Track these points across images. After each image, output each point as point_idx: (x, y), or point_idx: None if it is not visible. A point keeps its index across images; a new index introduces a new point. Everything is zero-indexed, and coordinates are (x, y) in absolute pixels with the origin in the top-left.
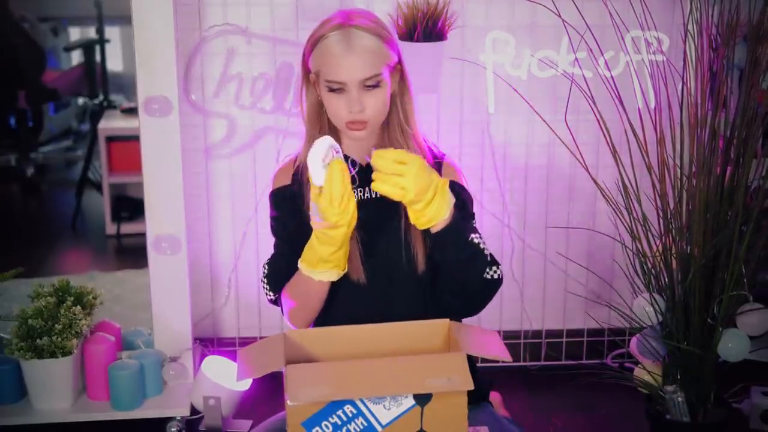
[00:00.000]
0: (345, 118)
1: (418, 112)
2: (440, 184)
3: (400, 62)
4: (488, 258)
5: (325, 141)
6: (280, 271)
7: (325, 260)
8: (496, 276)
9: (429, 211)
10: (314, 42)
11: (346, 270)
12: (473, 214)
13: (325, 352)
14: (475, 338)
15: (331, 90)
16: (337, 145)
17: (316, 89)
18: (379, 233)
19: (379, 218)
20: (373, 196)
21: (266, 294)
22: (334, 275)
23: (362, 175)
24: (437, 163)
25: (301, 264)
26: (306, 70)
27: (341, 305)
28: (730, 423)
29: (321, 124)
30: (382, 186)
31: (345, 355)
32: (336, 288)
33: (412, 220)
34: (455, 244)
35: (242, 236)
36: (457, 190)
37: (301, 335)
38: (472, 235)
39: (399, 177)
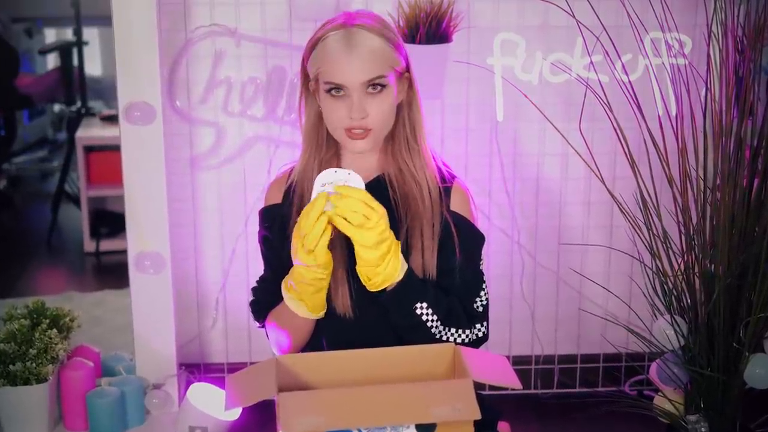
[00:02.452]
0: (345, 124)
1: (427, 125)
2: (395, 243)
3: (408, 70)
4: (453, 321)
5: (341, 171)
6: (266, 297)
7: (299, 298)
8: (473, 337)
9: (376, 278)
10: (313, 44)
11: (322, 314)
12: (480, 257)
13: (320, 379)
14: (482, 363)
15: (331, 94)
16: (358, 180)
17: (316, 98)
18: None
19: None
20: None
21: (254, 321)
22: (309, 315)
23: None
24: (446, 188)
25: (282, 291)
26: (305, 77)
27: (328, 339)
28: None
29: (320, 138)
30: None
31: (342, 382)
32: (321, 321)
33: (364, 280)
34: (398, 312)
35: (231, 253)
36: (464, 229)
37: (295, 360)
38: (476, 300)
39: (362, 224)
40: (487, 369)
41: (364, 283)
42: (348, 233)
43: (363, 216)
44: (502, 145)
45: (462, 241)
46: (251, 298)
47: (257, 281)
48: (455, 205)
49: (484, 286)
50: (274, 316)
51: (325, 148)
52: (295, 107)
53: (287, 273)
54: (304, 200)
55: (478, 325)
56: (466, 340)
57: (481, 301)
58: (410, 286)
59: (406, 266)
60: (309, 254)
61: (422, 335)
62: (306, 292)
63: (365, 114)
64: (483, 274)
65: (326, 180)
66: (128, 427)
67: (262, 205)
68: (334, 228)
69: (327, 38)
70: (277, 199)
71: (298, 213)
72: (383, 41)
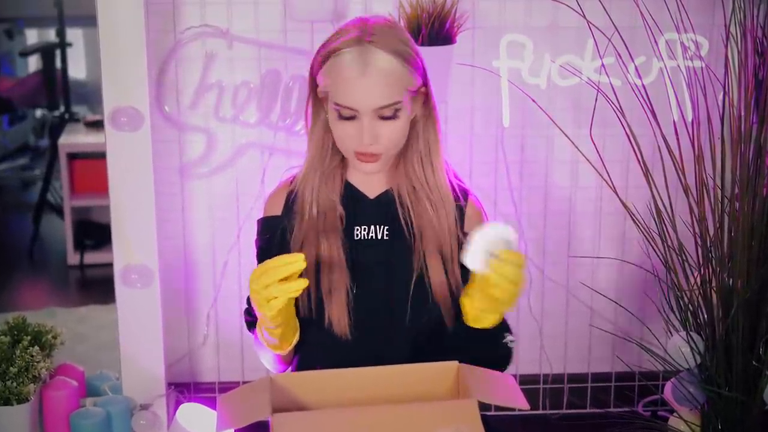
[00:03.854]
0: (354, 148)
1: (445, 142)
2: None
3: (425, 84)
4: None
5: (505, 231)
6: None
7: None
8: (509, 346)
9: (499, 315)
10: (326, 56)
11: (288, 350)
12: None
13: (317, 399)
14: (488, 383)
15: (341, 116)
16: (514, 240)
17: (324, 106)
18: (382, 282)
19: (387, 265)
20: (382, 236)
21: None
22: (277, 351)
23: (370, 210)
24: (459, 207)
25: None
26: (314, 83)
27: (324, 361)
28: None
29: (325, 147)
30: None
31: (339, 402)
32: (316, 342)
33: (472, 318)
34: (494, 342)
35: (223, 266)
36: None
37: (290, 379)
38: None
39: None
40: (493, 388)
41: (470, 320)
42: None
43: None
44: (509, 152)
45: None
46: (245, 306)
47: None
48: (469, 226)
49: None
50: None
51: (329, 158)
52: (291, 111)
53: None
54: (303, 211)
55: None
56: (508, 347)
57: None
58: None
59: None
60: (265, 306)
61: (503, 354)
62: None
63: (376, 139)
64: None
65: (489, 236)
66: None
67: (261, 215)
68: (340, 242)
69: (340, 55)
70: (278, 210)
71: (300, 222)
72: (399, 62)
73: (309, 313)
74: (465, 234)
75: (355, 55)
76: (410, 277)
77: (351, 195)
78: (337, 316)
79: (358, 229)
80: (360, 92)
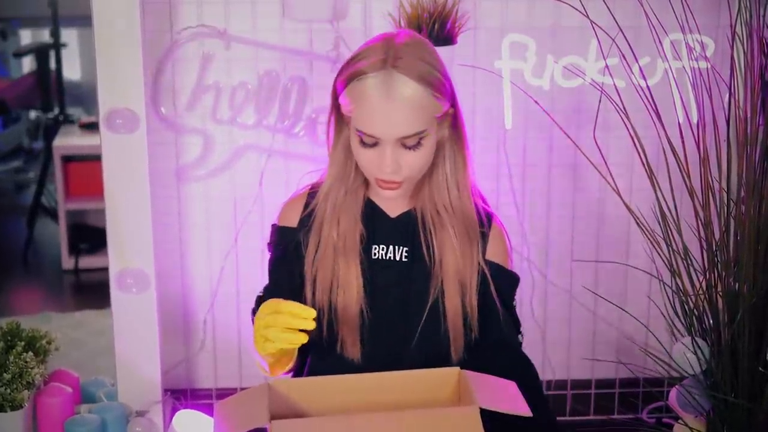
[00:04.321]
0: (375, 174)
1: (472, 162)
2: None
3: (453, 105)
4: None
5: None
6: None
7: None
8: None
9: None
10: (349, 77)
11: (285, 371)
12: (513, 298)
13: (316, 406)
14: (490, 389)
15: (363, 142)
16: None
17: (348, 125)
18: (397, 305)
19: (402, 288)
20: (400, 257)
21: None
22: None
23: (389, 229)
24: (482, 233)
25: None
26: (337, 101)
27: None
28: None
29: (348, 166)
30: None
31: (339, 409)
32: (324, 362)
33: None
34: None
35: (220, 271)
36: (499, 278)
37: (289, 385)
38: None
39: None
40: (496, 395)
41: None
42: None
43: None
44: (511, 154)
45: (497, 289)
46: (255, 306)
47: (263, 290)
48: (491, 253)
49: (520, 328)
50: None
51: (353, 177)
52: (290, 113)
53: (292, 290)
54: (323, 231)
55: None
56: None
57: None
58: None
59: None
60: (259, 343)
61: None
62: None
63: (398, 168)
64: (516, 313)
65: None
66: None
67: (276, 221)
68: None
69: (363, 79)
70: (293, 221)
71: (317, 238)
72: (425, 89)
73: (320, 333)
74: (486, 262)
75: (379, 81)
76: (426, 302)
77: (371, 212)
78: (350, 339)
79: (376, 248)
80: (382, 121)
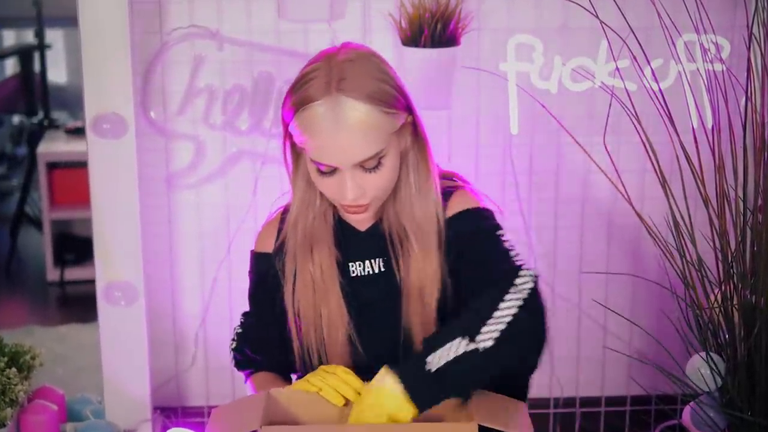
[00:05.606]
0: (340, 201)
1: (436, 171)
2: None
3: (412, 113)
4: (477, 318)
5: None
6: (246, 352)
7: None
8: (521, 296)
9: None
10: (294, 105)
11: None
12: (498, 234)
13: (316, 418)
14: (492, 405)
15: (321, 172)
16: None
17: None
18: (385, 320)
19: (387, 300)
20: (378, 269)
21: (231, 362)
22: None
23: (362, 244)
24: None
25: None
26: (287, 129)
27: None
28: None
29: (312, 192)
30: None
31: (338, 422)
32: None
33: None
34: (433, 392)
35: (212, 283)
36: (469, 228)
37: (289, 396)
38: (503, 266)
39: None
40: (498, 412)
41: None
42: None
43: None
44: (517, 161)
45: (472, 243)
46: (233, 343)
47: (241, 324)
48: (451, 209)
49: (512, 254)
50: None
51: (319, 202)
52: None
53: (274, 317)
54: (297, 259)
55: (517, 280)
56: (518, 304)
57: (511, 261)
58: (413, 377)
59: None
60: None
61: (474, 365)
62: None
63: (362, 192)
64: (507, 246)
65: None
66: None
67: (253, 246)
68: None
69: (308, 109)
70: (269, 247)
71: (292, 269)
72: (376, 108)
73: (308, 368)
74: (447, 221)
75: (326, 108)
76: (398, 306)
77: (342, 231)
78: (338, 358)
79: (353, 266)
80: (336, 150)
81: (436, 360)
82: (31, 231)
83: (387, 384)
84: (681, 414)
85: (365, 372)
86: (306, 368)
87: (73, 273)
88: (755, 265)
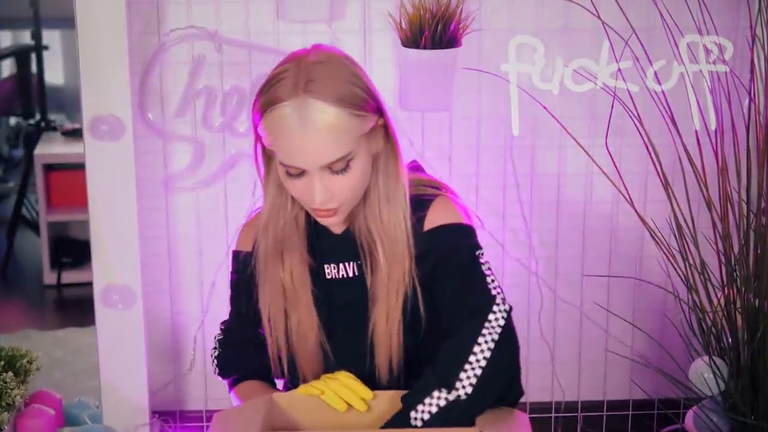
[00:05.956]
0: (308, 204)
1: (405, 176)
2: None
3: (382, 114)
4: (454, 363)
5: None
6: (229, 355)
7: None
8: (497, 328)
9: None
10: (262, 107)
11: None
12: (476, 255)
13: (318, 423)
14: (493, 415)
15: (289, 174)
16: None
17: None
18: (361, 321)
19: (361, 304)
20: (353, 273)
21: (213, 370)
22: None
23: (338, 246)
24: (418, 219)
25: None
26: (258, 131)
27: None
28: None
29: (285, 195)
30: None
31: (340, 428)
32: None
33: None
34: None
35: (211, 286)
36: (444, 238)
37: (291, 401)
38: (477, 296)
39: None
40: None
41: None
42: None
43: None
44: (518, 163)
45: (449, 264)
46: (215, 350)
47: (222, 329)
48: (430, 221)
49: (488, 279)
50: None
51: (290, 207)
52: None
53: (254, 317)
54: (267, 266)
55: (490, 316)
56: (491, 346)
57: (487, 291)
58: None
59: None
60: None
61: (455, 415)
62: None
63: (330, 195)
64: (483, 269)
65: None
66: None
67: (234, 248)
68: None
69: (276, 109)
70: (248, 246)
71: (264, 276)
72: (344, 111)
73: (282, 373)
74: (426, 234)
75: (292, 109)
76: (366, 314)
77: (316, 233)
78: (309, 372)
79: (328, 268)
80: (303, 151)
81: (420, 415)
82: (27, 234)
83: None
84: (684, 418)
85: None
86: (280, 374)
87: (71, 276)
88: (759, 268)
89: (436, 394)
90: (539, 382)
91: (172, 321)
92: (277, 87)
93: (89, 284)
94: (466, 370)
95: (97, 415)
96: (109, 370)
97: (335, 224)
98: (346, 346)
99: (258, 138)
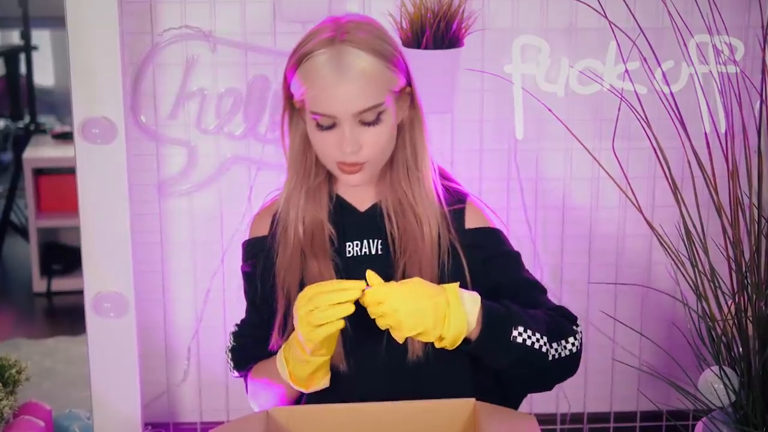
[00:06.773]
0: (336, 158)
1: (432, 146)
2: (443, 301)
3: (410, 84)
4: (556, 332)
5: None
6: (246, 346)
7: (297, 377)
8: (567, 352)
9: (445, 339)
10: (297, 60)
11: (317, 387)
12: (513, 253)
13: None
14: (506, 425)
15: (320, 125)
16: None
17: (302, 117)
18: None
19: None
20: (376, 251)
21: (230, 370)
22: (298, 388)
23: (361, 224)
24: (456, 211)
25: (278, 357)
26: (289, 92)
27: (316, 395)
28: None
29: (308, 162)
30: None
31: None
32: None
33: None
34: (495, 352)
35: (206, 294)
36: (490, 241)
37: (289, 414)
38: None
39: (383, 318)
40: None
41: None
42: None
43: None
44: (522, 167)
45: (493, 253)
46: (230, 344)
47: (237, 325)
48: (471, 221)
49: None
50: (265, 372)
51: (313, 175)
52: (278, 124)
53: (270, 316)
54: (288, 234)
55: (570, 339)
56: (577, 346)
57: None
58: (493, 321)
59: (476, 303)
60: (311, 333)
61: (533, 362)
62: (300, 369)
63: (359, 147)
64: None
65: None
66: None
67: (246, 238)
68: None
69: (313, 58)
70: (263, 230)
71: (285, 247)
72: (378, 61)
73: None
74: (470, 232)
75: (330, 56)
76: None
77: (340, 209)
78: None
79: (350, 245)
80: (338, 97)
81: (519, 336)
82: (16, 240)
83: (468, 302)
84: (693, 430)
85: (354, 356)
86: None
87: (61, 283)
88: None
89: (543, 339)
90: (544, 393)
91: (165, 330)
92: (313, 41)
93: (80, 292)
94: (561, 344)
95: (88, 426)
96: (100, 381)
97: (358, 183)
98: (363, 321)
99: (286, 103)
